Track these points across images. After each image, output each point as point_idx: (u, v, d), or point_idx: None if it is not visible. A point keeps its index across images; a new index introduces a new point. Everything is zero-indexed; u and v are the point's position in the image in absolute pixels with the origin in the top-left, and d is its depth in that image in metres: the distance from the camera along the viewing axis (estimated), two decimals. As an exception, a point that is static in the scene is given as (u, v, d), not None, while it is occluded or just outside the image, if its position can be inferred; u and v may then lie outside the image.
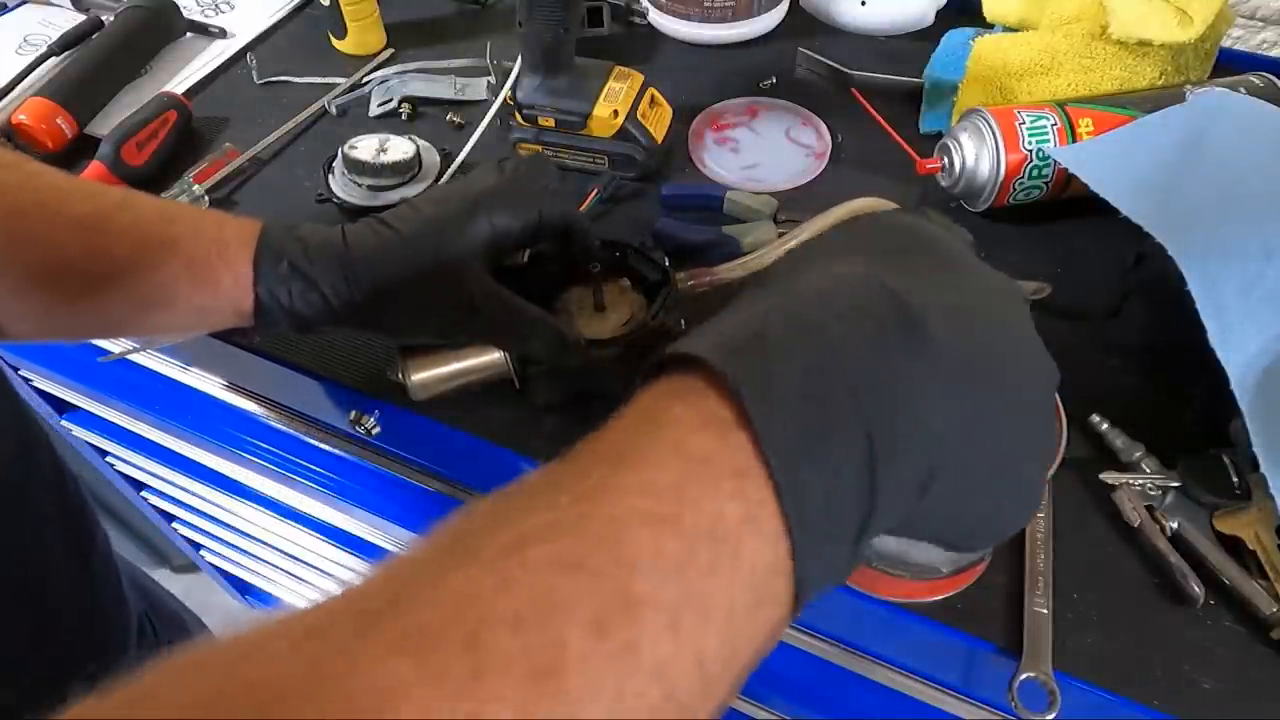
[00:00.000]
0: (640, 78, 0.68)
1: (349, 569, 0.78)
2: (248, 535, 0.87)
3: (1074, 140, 0.61)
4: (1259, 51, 0.91)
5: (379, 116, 0.76)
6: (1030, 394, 0.29)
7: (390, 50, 0.83)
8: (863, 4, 0.82)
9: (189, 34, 0.86)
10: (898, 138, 0.68)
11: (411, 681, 0.17)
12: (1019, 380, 0.28)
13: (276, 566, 0.93)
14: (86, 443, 0.85)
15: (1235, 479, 0.47)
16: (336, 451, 0.59)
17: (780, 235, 0.63)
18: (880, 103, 0.73)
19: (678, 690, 0.20)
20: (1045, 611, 0.45)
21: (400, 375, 0.51)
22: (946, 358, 0.25)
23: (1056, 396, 0.31)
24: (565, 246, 0.51)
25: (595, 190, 0.66)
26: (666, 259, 0.54)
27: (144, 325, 0.46)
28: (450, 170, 0.69)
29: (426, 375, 0.51)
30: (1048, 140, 0.61)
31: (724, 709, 0.23)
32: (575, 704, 0.18)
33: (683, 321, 0.52)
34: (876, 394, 0.24)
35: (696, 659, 0.21)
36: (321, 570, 0.84)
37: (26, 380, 0.78)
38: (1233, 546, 0.46)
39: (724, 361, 0.23)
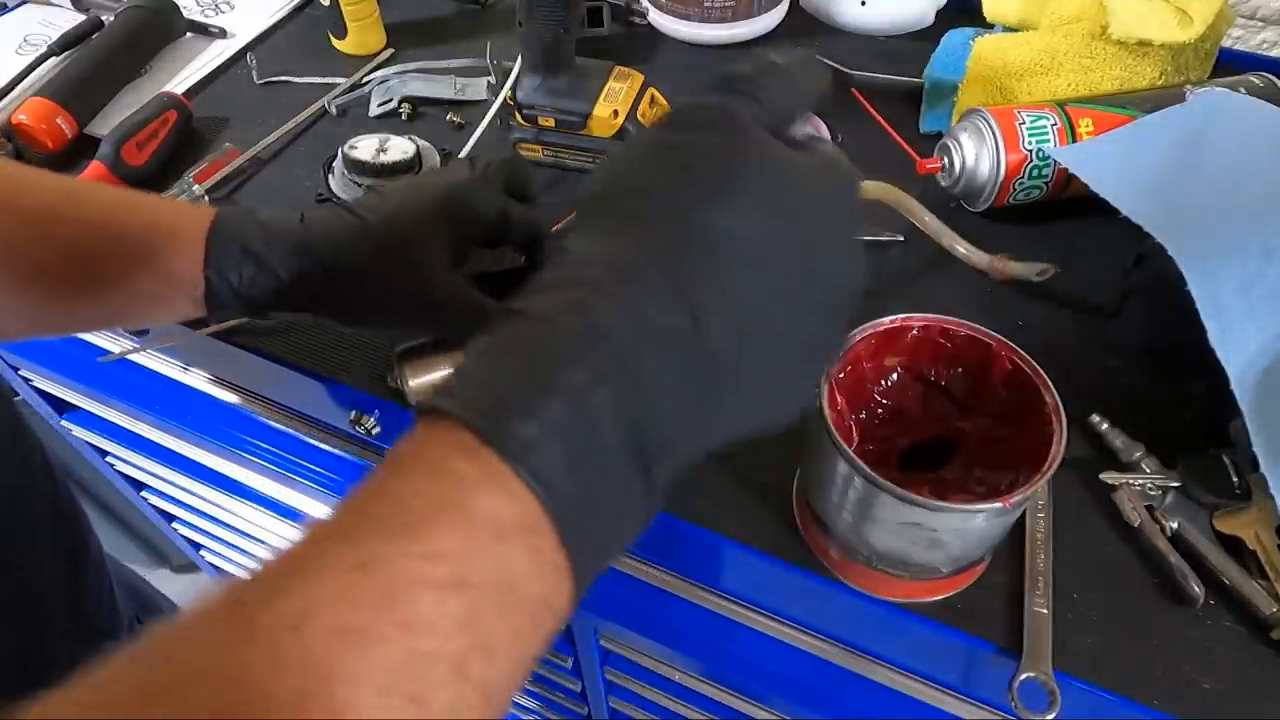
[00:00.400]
0: (640, 78, 0.68)
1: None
2: (248, 535, 0.87)
3: (1074, 140, 0.61)
4: (1259, 51, 0.91)
5: (379, 116, 0.76)
6: (825, 313, 0.29)
7: (390, 50, 0.83)
8: (863, 4, 0.82)
9: (189, 34, 0.86)
10: (898, 138, 0.68)
11: None
12: (810, 307, 0.28)
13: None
14: (86, 443, 0.85)
15: (1235, 479, 0.47)
16: (336, 451, 0.59)
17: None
18: (880, 103, 0.73)
19: (464, 717, 0.21)
20: (1045, 611, 0.45)
21: (398, 381, 0.51)
22: (736, 369, 0.26)
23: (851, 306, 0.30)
24: (532, 256, 0.50)
25: None
26: None
27: (98, 315, 0.46)
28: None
29: (425, 380, 0.51)
30: (1048, 140, 0.61)
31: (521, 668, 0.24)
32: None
33: None
34: (655, 425, 0.24)
35: (484, 692, 0.21)
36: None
37: (27, 380, 0.78)
38: (1233, 546, 0.46)
39: (481, 423, 0.23)
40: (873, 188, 0.59)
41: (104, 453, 0.87)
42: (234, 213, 0.45)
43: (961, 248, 0.59)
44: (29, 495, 0.56)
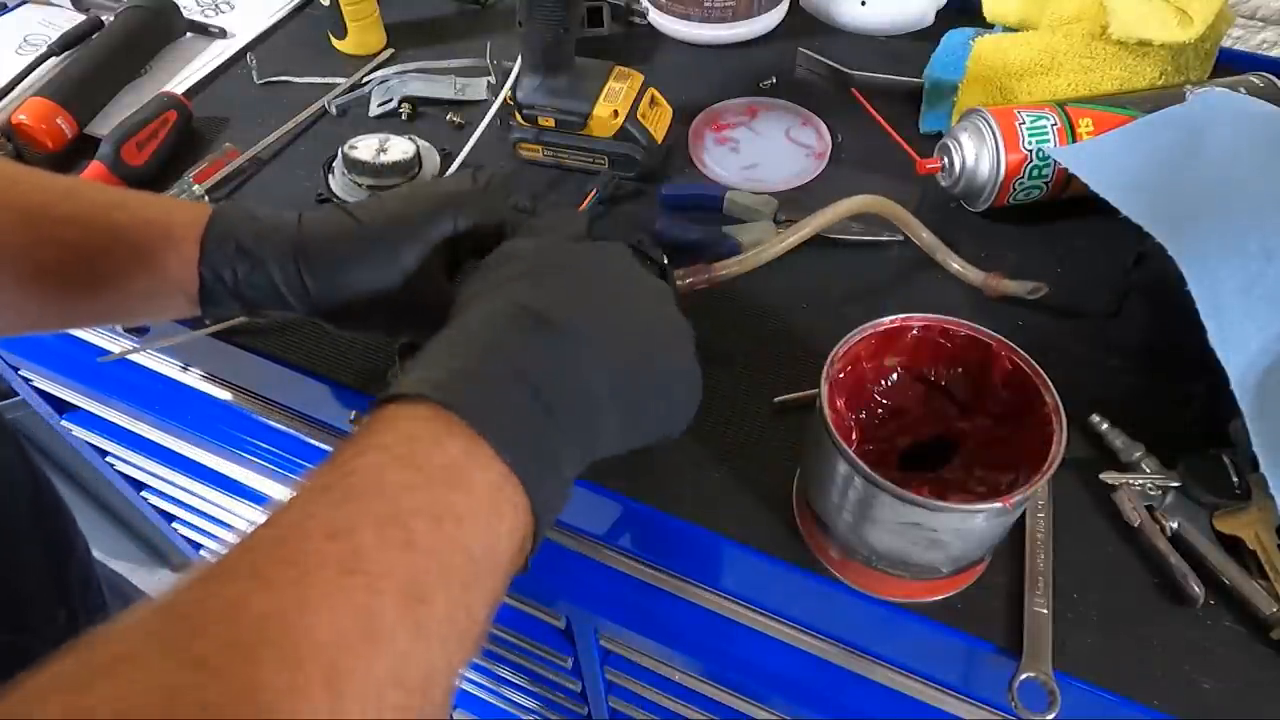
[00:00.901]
0: (640, 78, 0.68)
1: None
2: (248, 535, 0.87)
3: (1074, 140, 0.61)
4: (1259, 51, 0.91)
5: (379, 116, 0.76)
6: (649, 320, 0.39)
7: (390, 50, 0.83)
8: (863, 4, 0.82)
9: (189, 34, 0.86)
10: (898, 138, 0.68)
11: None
12: (639, 320, 0.39)
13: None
14: (86, 443, 0.85)
15: (1235, 479, 0.47)
16: (336, 451, 0.59)
17: (779, 234, 0.63)
18: (880, 103, 0.73)
19: (453, 565, 0.28)
20: (1045, 611, 0.45)
21: (399, 378, 0.50)
22: (572, 331, 0.35)
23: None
24: None
25: (594, 190, 0.66)
26: (665, 257, 0.54)
27: (96, 312, 0.46)
28: (450, 170, 0.69)
29: None
30: (1048, 140, 0.61)
31: (495, 600, 0.30)
32: (379, 580, 0.25)
33: None
34: (538, 372, 0.33)
35: (462, 545, 0.28)
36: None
37: (27, 380, 0.78)
38: (1233, 546, 0.46)
39: (411, 387, 0.31)
40: (869, 202, 0.60)
41: (104, 453, 0.87)
42: (230, 210, 0.45)
43: (956, 264, 0.59)
44: (7, 490, 0.56)
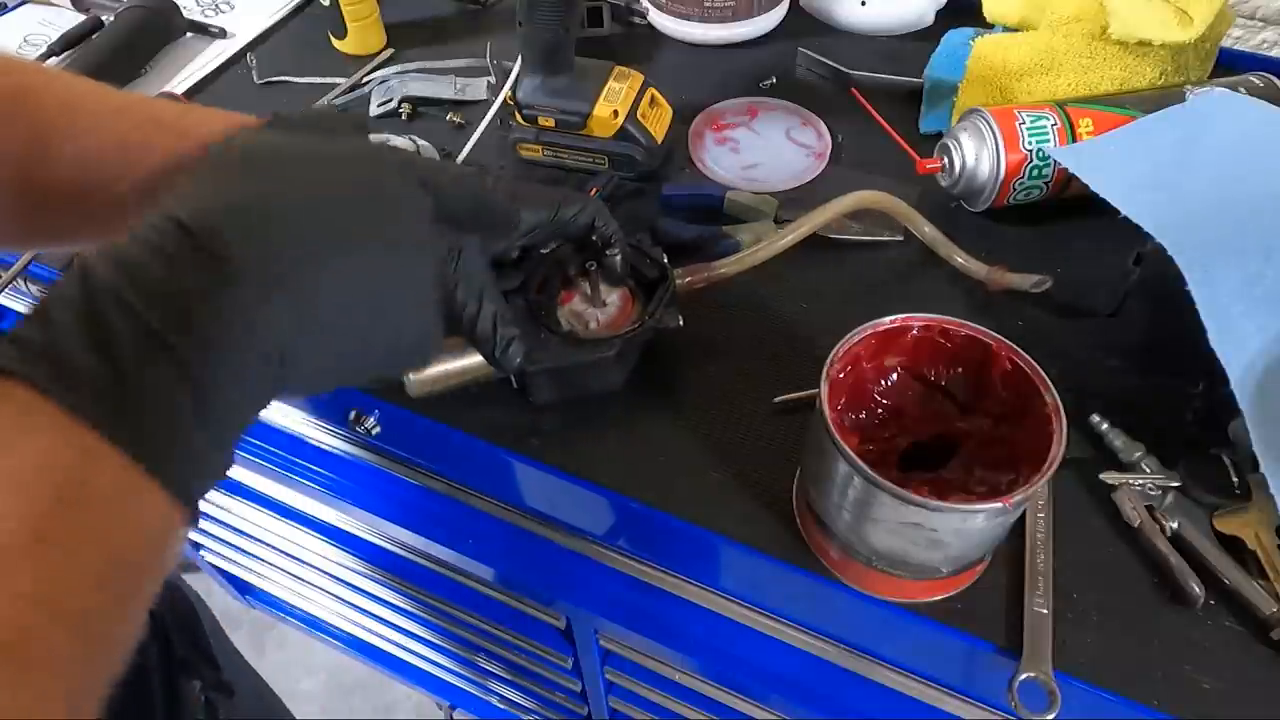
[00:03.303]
0: (640, 78, 0.68)
1: (349, 568, 0.78)
2: (248, 535, 0.87)
3: (1074, 140, 0.61)
4: (1259, 51, 0.91)
5: (379, 116, 0.76)
6: (380, 250, 0.33)
7: (390, 50, 0.83)
8: (863, 4, 0.82)
9: (189, 34, 0.86)
10: (898, 138, 0.68)
11: None
12: (358, 248, 0.32)
13: (276, 566, 0.93)
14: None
15: (1235, 479, 0.47)
16: (336, 451, 0.59)
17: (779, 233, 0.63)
18: (880, 103, 0.73)
19: (64, 607, 0.24)
20: (1045, 611, 0.45)
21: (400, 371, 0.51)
22: (250, 269, 0.28)
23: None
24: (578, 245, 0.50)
25: (594, 190, 0.66)
26: (665, 256, 0.54)
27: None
28: (450, 170, 0.69)
29: (425, 373, 0.51)
30: (1048, 140, 0.61)
31: (147, 592, 0.27)
32: None
33: (680, 319, 0.52)
34: (176, 325, 0.27)
35: (80, 576, 0.24)
36: (321, 570, 0.84)
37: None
38: (1233, 546, 0.46)
39: (7, 358, 0.25)
40: (872, 197, 0.60)
41: (104, 453, 0.87)
42: (290, 115, 0.44)
43: (959, 258, 0.59)
44: None
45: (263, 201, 0.30)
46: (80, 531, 0.25)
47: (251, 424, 0.30)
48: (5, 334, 0.26)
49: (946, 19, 0.82)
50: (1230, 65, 0.71)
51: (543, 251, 0.52)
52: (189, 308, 0.27)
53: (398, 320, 0.34)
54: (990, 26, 0.76)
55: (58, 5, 0.89)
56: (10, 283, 0.63)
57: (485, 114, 0.68)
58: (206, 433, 0.28)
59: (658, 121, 0.69)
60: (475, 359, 0.51)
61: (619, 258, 0.50)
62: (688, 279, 0.57)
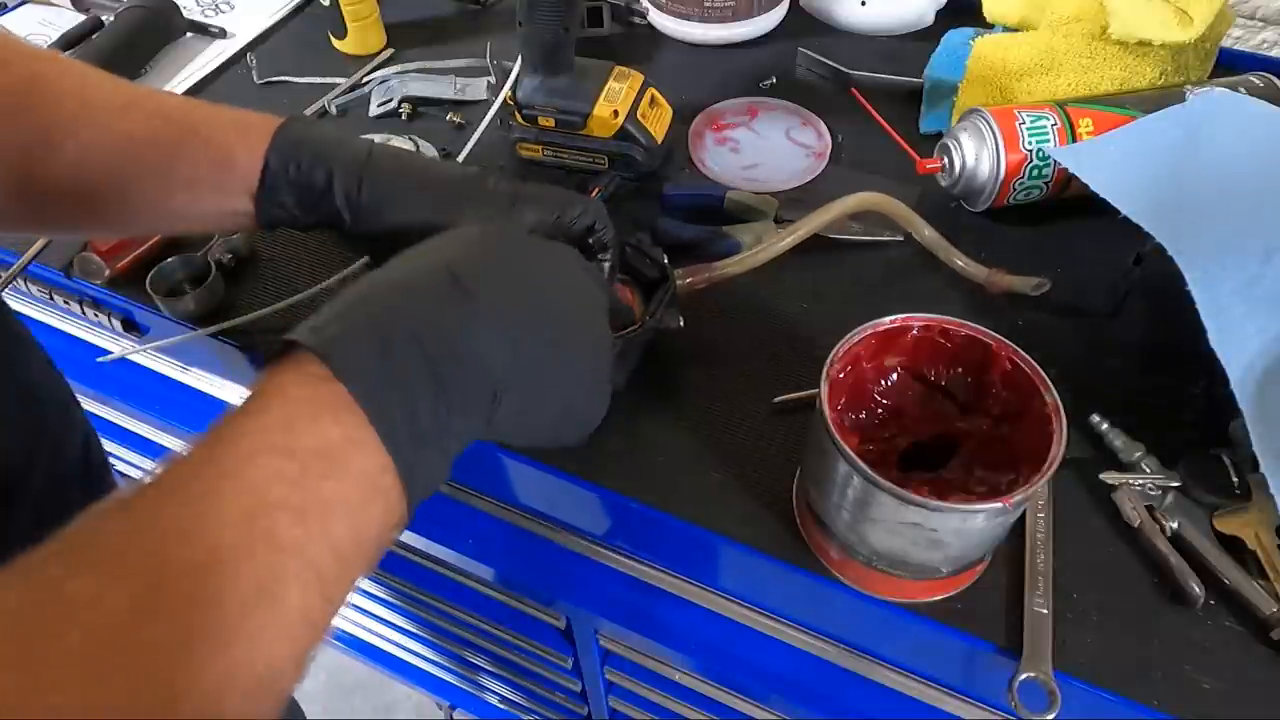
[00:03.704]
0: (640, 78, 0.68)
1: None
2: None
3: (1074, 140, 0.61)
4: (1259, 51, 0.91)
5: (379, 116, 0.76)
6: (573, 323, 0.39)
7: (390, 50, 0.83)
8: (863, 4, 0.82)
9: (189, 34, 0.86)
10: (898, 138, 0.68)
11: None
12: (561, 311, 0.38)
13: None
14: (86, 443, 0.85)
15: (1235, 479, 0.47)
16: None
17: (779, 234, 0.63)
18: (880, 103, 0.73)
19: (313, 561, 0.27)
20: (1045, 611, 0.45)
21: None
22: (491, 306, 0.34)
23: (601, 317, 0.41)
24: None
25: (596, 190, 0.66)
26: (665, 257, 0.54)
27: (168, 210, 0.47)
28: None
29: None
30: (1048, 140, 0.61)
31: (359, 579, 0.30)
32: (229, 581, 0.25)
33: (681, 319, 0.52)
34: (436, 338, 0.32)
35: (326, 539, 0.28)
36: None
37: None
38: (1233, 546, 0.46)
39: (308, 336, 0.31)
40: (873, 199, 0.60)
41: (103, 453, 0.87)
42: (306, 119, 0.47)
43: (959, 261, 0.59)
44: (55, 465, 0.55)
45: (493, 263, 0.37)
46: (334, 503, 0.28)
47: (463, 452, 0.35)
48: (308, 321, 0.32)
49: (946, 19, 0.82)
50: (1230, 65, 0.71)
51: None
52: (451, 338, 0.33)
53: (580, 376, 0.40)
54: (990, 26, 0.76)
55: (58, 5, 0.89)
56: (10, 282, 0.63)
57: (485, 114, 0.68)
58: (444, 448, 0.32)
59: (658, 121, 0.69)
60: None
61: (608, 264, 0.50)
62: (688, 279, 0.57)
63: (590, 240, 0.48)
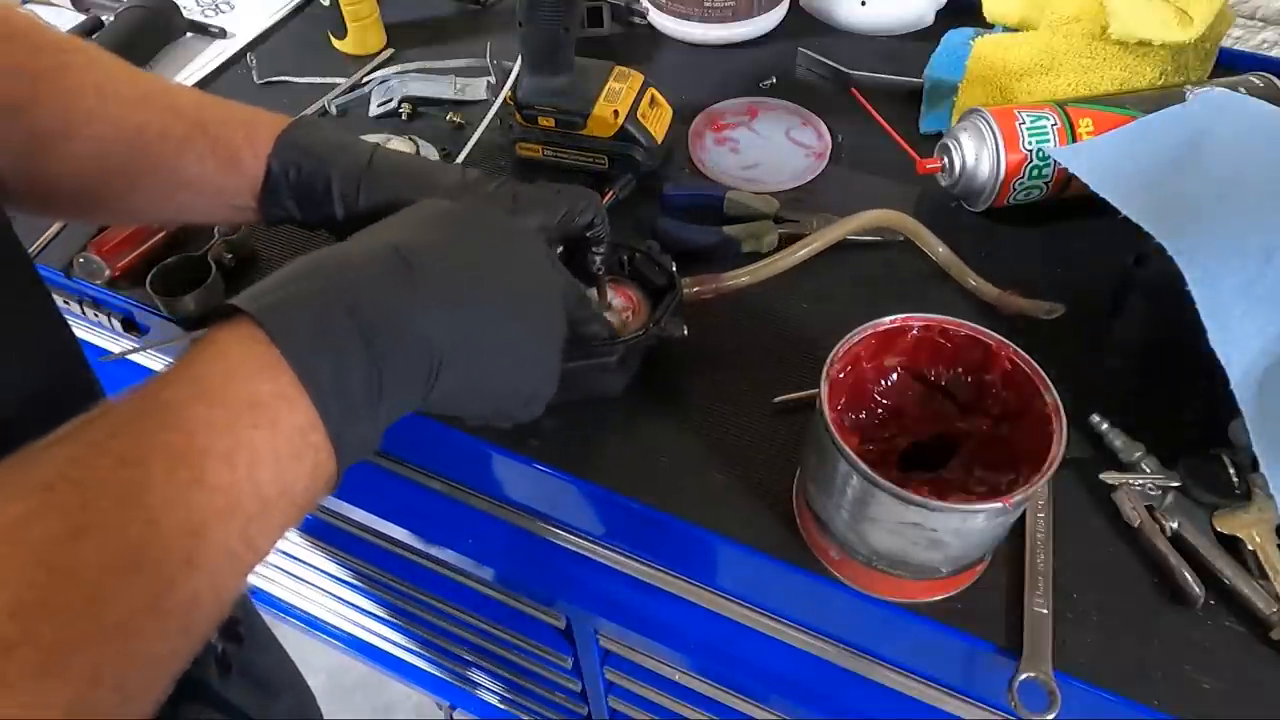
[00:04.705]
0: (640, 78, 0.68)
1: (348, 568, 0.78)
2: (248, 535, 0.87)
3: (1074, 140, 0.61)
4: (1259, 51, 0.91)
5: (379, 116, 0.76)
6: (521, 306, 0.39)
7: (390, 50, 0.83)
8: (863, 4, 0.82)
9: (189, 34, 0.86)
10: (898, 138, 0.68)
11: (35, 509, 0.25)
12: (508, 292, 0.38)
13: (275, 566, 0.93)
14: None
15: (1235, 479, 0.47)
16: (336, 451, 0.59)
17: (780, 233, 0.63)
18: (880, 103, 0.73)
19: (240, 503, 0.28)
20: (1045, 611, 0.45)
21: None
22: (432, 284, 0.35)
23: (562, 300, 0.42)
24: (573, 253, 0.51)
25: (610, 193, 0.66)
26: (674, 265, 0.54)
27: (173, 203, 0.48)
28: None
29: None
30: (1048, 140, 0.61)
31: (284, 530, 0.31)
32: (158, 512, 0.26)
33: (685, 328, 0.52)
34: (373, 311, 0.33)
35: (253, 485, 0.29)
36: (321, 570, 0.84)
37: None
38: (1233, 546, 0.46)
39: (247, 303, 0.32)
40: (886, 217, 0.60)
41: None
42: (313, 122, 0.48)
43: (972, 280, 0.59)
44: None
45: (441, 242, 0.38)
46: (262, 452, 0.29)
47: (397, 420, 0.35)
48: (251, 289, 0.33)
49: (946, 19, 0.82)
50: (1230, 65, 0.71)
51: None
52: (389, 312, 0.33)
53: (525, 357, 0.40)
54: (990, 26, 0.76)
55: (57, 5, 0.89)
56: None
57: (485, 114, 0.68)
58: (375, 415, 0.33)
59: (658, 121, 0.69)
60: None
61: (599, 257, 0.51)
62: (695, 289, 0.57)
63: (587, 234, 0.48)
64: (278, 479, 0.30)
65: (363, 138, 0.68)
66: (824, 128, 0.73)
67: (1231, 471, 0.47)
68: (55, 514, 0.25)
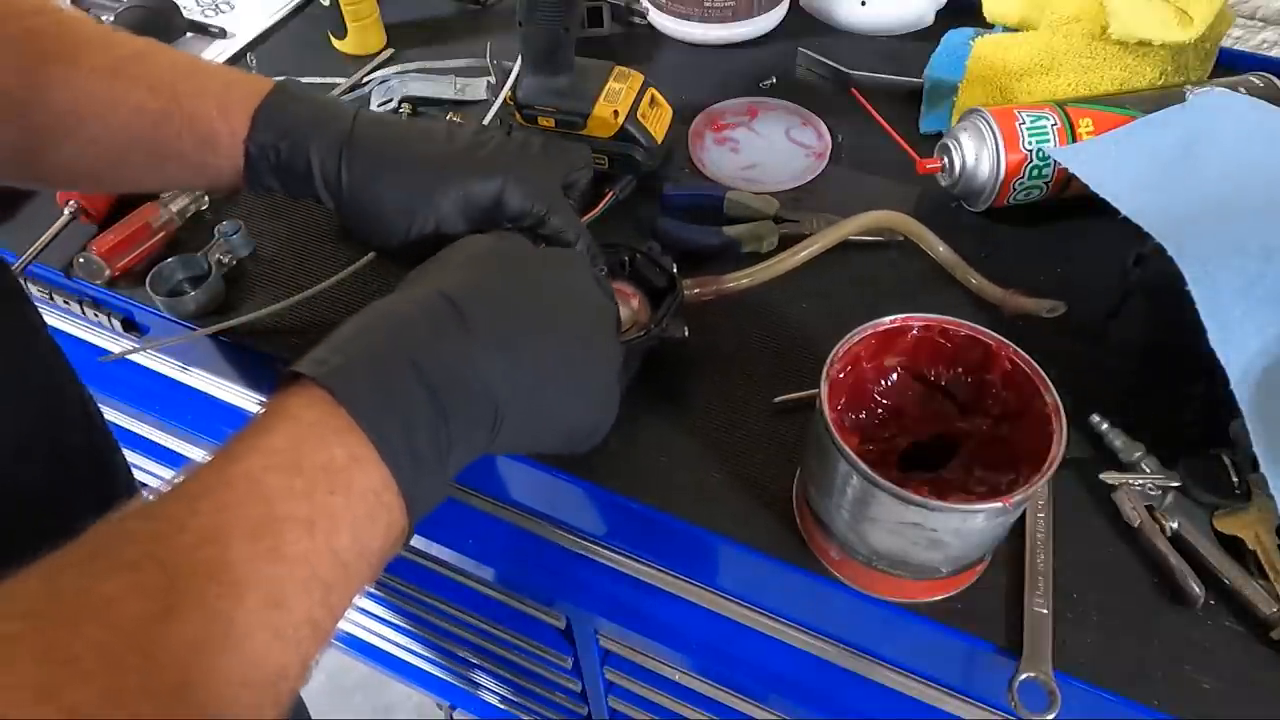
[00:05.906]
0: (640, 78, 0.68)
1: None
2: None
3: (1074, 140, 0.61)
4: (1259, 51, 0.91)
5: (379, 116, 0.76)
6: (580, 340, 0.40)
7: (390, 50, 0.83)
8: (863, 4, 0.82)
9: (189, 34, 0.86)
10: (898, 138, 0.68)
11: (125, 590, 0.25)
12: (562, 331, 0.39)
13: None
14: (86, 443, 0.85)
15: (1235, 479, 0.47)
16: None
17: (780, 233, 0.63)
18: (880, 103, 0.73)
19: (319, 571, 0.29)
20: (1045, 611, 0.45)
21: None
22: (488, 332, 0.36)
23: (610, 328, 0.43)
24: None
25: (611, 194, 0.66)
26: (675, 266, 0.54)
27: (159, 176, 0.48)
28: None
29: None
30: (1048, 140, 0.61)
31: (362, 590, 0.32)
32: (244, 588, 0.27)
33: (686, 330, 0.52)
34: (434, 365, 0.34)
35: (331, 550, 0.29)
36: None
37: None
38: (1233, 546, 0.46)
39: (312, 368, 0.32)
40: (888, 218, 0.60)
41: (104, 453, 0.87)
42: (289, 90, 0.46)
43: (974, 280, 0.59)
44: (66, 448, 0.55)
45: (494, 288, 0.38)
46: (339, 517, 0.30)
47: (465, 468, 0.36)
48: (310, 354, 0.34)
49: (946, 19, 0.82)
50: (1230, 65, 0.71)
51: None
52: (448, 365, 0.34)
53: (583, 391, 0.40)
54: (990, 26, 0.76)
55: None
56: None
57: (485, 114, 0.68)
58: (444, 468, 0.34)
59: (658, 121, 0.69)
60: None
61: (584, 181, 0.51)
62: (696, 290, 0.57)
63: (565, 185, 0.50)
64: (355, 543, 0.30)
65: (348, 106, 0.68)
66: (824, 128, 0.73)
67: (1231, 471, 0.47)
68: (144, 595, 0.25)
